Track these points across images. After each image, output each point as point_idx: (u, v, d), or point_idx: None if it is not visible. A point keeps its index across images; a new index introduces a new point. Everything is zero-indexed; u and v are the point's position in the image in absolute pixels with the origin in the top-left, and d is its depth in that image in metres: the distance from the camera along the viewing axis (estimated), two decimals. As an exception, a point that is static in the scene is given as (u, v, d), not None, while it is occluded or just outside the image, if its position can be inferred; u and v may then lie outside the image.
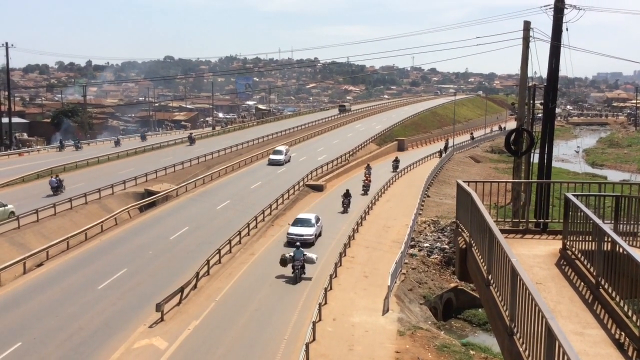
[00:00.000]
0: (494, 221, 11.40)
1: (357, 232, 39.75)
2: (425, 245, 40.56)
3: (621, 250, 9.45)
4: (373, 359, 22.25)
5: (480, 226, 11.94)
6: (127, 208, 42.63)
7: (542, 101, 21.92)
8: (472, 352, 25.34)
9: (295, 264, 29.91)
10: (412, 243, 39.96)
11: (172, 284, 28.42)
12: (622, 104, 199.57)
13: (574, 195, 12.27)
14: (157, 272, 31.32)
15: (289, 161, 64.03)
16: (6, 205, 38.10)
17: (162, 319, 25.00)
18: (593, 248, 10.69)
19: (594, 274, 10.49)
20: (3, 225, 34.88)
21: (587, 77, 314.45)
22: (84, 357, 21.96)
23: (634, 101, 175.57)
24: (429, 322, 28.87)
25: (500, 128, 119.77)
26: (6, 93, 76.12)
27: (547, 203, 17.20)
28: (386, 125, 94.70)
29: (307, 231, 36.76)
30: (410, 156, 77.49)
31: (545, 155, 21.12)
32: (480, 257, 12.05)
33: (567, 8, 20.36)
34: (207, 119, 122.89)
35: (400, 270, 33.08)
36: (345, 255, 34.31)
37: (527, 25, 21.77)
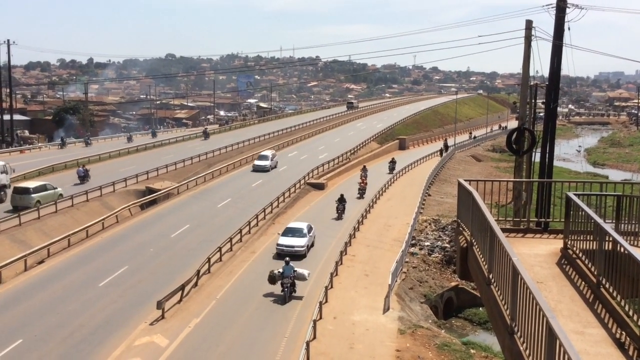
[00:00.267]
0: (495, 220, 11.40)
1: (358, 230, 39.75)
2: (426, 244, 40.56)
3: (622, 249, 9.45)
4: (374, 357, 22.26)
5: (481, 225, 11.93)
6: (129, 205, 42.63)
7: (544, 100, 21.92)
8: (472, 351, 25.34)
9: (284, 281, 26.97)
10: (413, 242, 39.97)
11: (173, 282, 28.44)
12: (623, 104, 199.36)
13: (575, 194, 12.26)
14: (158, 269, 31.35)
15: (275, 167, 59.76)
16: (56, 188, 42.27)
17: (163, 317, 25.02)
18: (594, 247, 10.68)
19: (595, 273, 10.48)
20: (4, 223, 34.91)
21: (589, 77, 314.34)
22: (84, 354, 22.00)
23: (636, 100, 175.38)
24: (430, 321, 28.88)
25: (500, 127, 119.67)
26: (8, 90, 76.09)
27: (548, 202, 17.20)
28: (387, 124, 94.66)
29: (298, 242, 33.93)
30: (411, 155, 77.49)
31: (547, 155, 21.12)
32: (481, 256, 12.05)
33: (569, 7, 20.34)
34: (209, 117, 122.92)
35: (401, 269, 33.09)
36: (346, 253, 34.32)
37: (529, 24, 21.75)
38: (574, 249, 11.86)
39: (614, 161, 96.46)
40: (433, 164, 70.32)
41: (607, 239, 10.04)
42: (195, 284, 28.69)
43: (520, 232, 14.43)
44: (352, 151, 70.57)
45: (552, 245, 12.99)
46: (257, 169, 58.00)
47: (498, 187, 15.08)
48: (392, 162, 65.54)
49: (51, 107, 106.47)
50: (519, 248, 12.00)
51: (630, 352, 8.62)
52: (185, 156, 59.02)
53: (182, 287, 27.12)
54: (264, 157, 59.77)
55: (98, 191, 43.93)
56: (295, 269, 27.36)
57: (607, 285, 9.98)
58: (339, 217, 43.30)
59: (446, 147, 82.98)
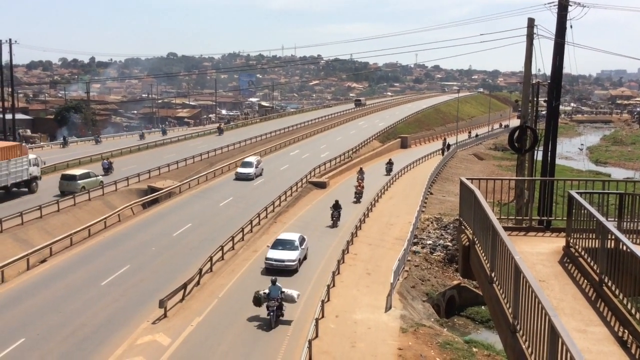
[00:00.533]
0: (497, 218, 11.39)
1: (360, 229, 39.74)
2: (428, 242, 40.54)
3: (625, 248, 9.43)
4: (376, 355, 22.26)
5: (483, 223, 11.93)
6: (130, 205, 42.68)
7: (546, 98, 21.89)
8: (474, 349, 25.32)
9: (271, 304, 23.91)
10: (415, 240, 39.95)
11: (175, 281, 28.47)
12: (626, 102, 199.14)
13: (577, 192, 12.24)
14: (160, 268, 31.38)
15: (260, 174, 54.96)
16: (97, 176, 47.01)
17: (165, 316, 25.05)
18: (596, 246, 10.67)
19: (598, 271, 10.47)
20: (7, 222, 34.96)
21: (591, 75, 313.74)
22: (87, 353, 22.03)
23: (638, 98, 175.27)
24: (432, 319, 28.88)
25: (501, 126, 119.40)
26: (10, 89, 76.17)
27: (550, 200, 17.18)
28: (389, 123, 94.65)
29: (289, 255, 30.93)
30: (413, 153, 77.46)
31: (549, 153, 21.09)
32: (483, 254, 12.05)
33: (571, 5, 20.31)
34: (210, 115, 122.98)
35: (403, 268, 33.08)
36: (348, 252, 34.31)
37: (531, 23, 21.72)
38: (577, 247, 11.85)
39: (616, 159, 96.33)
40: (435, 163, 70.29)
41: (609, 237, 10.02)
42: (198, 283, 28.72)
43: (523, 230, 14.42)
44: (354, 150, 70.56)
45: (555, 244, 12.97)
46: (240, 177, 52.94)
47: (500, 186, 15.08)
48: (389, 164, 63.18)
49: (53, 107, 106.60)
50: (521, 246, 11.99)
51: (633, 351, 8.61)
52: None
53: (184, 286, 27.14)
54: (248, 164, 54.55)
55: (100, 190, 44.02)
56: (283, 289, 24.26)
57: (609, 284, 9.97)
58: (334, 225, 40.52)
59: (449, 146, 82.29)
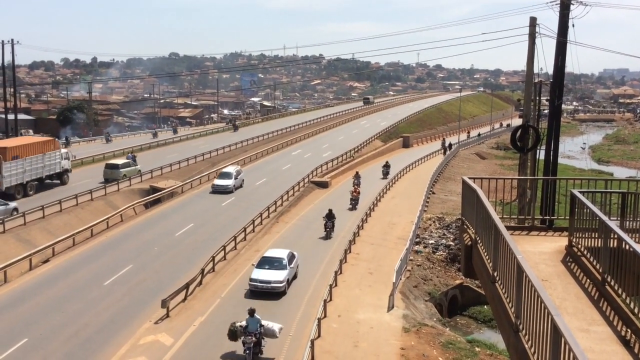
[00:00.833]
0: (500, 218, 11.39)
1: (362, 229, 39.72)
2: (431, 242, 40.51)
3: (627, 247, 9.42)
4: (378, 355, 22.26)
5: (485, 223, 11.92)
6: (133, 204, 42.73)
7: (548, 97, 21.87)
8: (477, 348, 25.31)
9: (247, 339, 20.76)
10: (417, 240, 39.93)
11: (178, 281, 28.50)
12: (628, 101, 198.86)
13: (580, 191, 12.23)
14: (163, 268, 31.41)
15: (241, 186, 50.11)
16: (137, 165, 51.76)
17: (167, 315, 25.08)
18: (599, 245, 10.66)
19: (600, 270, 10.45)
20: (9, 222, 35.01)
21: (593, 74, 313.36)
22: (89, 353, 22.05)
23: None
24: (434, 319, 28.86)
25: (501, 125, 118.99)
26: (12, 90, 76.28)
27: (553, 200, 17.18)
28: (391, 122, 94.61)
29: (276, 276, 27.63)
30: (415, 153, 77.42)
31: (551, 152, 21.07)
32: (485, 253, 12.04)
33: (573, 4, 20.29)
34: (212, 115, 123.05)
35: (406, 267, 33.06)
36: (350, 252, 34.31)
37: (533, 22, 21.70)
38: (579, 246, 11.83)
39: (618, 158, 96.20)
40: (437, 162, 70.24)
41: (612, 236, 10.01)
42: (200, 283, 28.74)
43: (525, 229, 14.41)
44: (356, 149, 70.56)
45: (557, 243, 12.96)
46: (217, 191, 47.94)
47: (502, 185, 15.07)
48: (386, 167, 60.81)
49: (55, 107, 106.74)
50: (523, 246, 11.98)
51: (636, 350, 8.59)
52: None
53: (187, 286, 27.16)
54: (226, 175, 49.42)
55: (102, 190, 44.09)
56: (263, 322, 21.29)
57: (612, 283, 9.95)
58: (328, 236, 37.66)
59: (449, 146, 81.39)
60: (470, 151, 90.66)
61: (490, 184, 14.72)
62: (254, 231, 38.19)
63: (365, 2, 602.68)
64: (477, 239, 13.01)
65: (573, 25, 20.46)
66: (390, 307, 26.58)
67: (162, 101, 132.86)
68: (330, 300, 26.72)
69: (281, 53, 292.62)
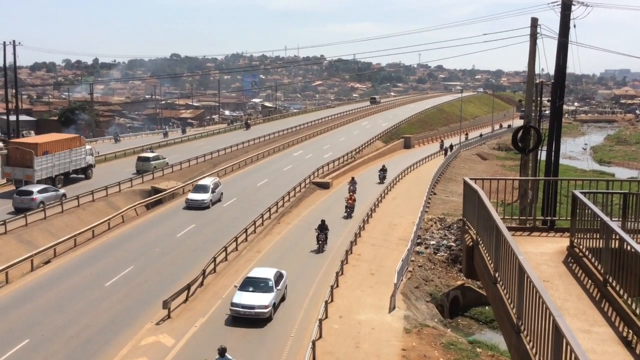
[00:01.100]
0: (501, 219, 11.38)
1: (364, 229, 39.71)
2: (432, 242, 40.50)
3: (629, 247, 9.41)
4: (379, 356, 22.25)
5: (487, 224, 11.91)
6: (134, 205, 42.73)
7: (550, 98, 21.85)
8: (478, 349, 25.29)
9: None
10: (419, 240, 39.92)
11: (179, 282, 28.50)
12: (629, 101, 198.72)
13: (581, 192, 12.22)
14: (164, 269, 31.42)
15: (219, 200, 45.56)
16: (165, 158, 55.83)
17: (168, 316, 25.08)
18: (601, 246, 10.64)
19: (602, 271, 10.44)
20: (11, 223, 35.03)
21: (594, 74, 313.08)
22: (91, 354, 22.06)
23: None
24: (436, 320, 28.84)
25: (501, 126, 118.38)
26: (13, 91, 76.36)
27: (554, 200, 17.15)
28: (392, 123, 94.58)
29: (261, 300, 24.71)
30: (416, 154, 77.40)
31: (553, 153, 21.05)
32: (487, 254, 12.03)
33: (574, 5, 20.27)
34: (214, 116, 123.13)
35: (407, 268, 33.05)
36: (351, 252, 34.29)
37: (534, 22, 21.69)
38: (581, 247, 11.82)
39: (620, 159, 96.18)
40: (438, 163, 70.22)
41: (613, 237, 10.00)
42: (201, 284, 28.74)
43: (527, 230, 14.40)
44: (357, 150, 70.55)
45: (559, 244, 12.95)
46: (192, 206, 43.39)
47: (504, 186, 15.06)
48: (383, 170, 58.50)
49: (57, 108, 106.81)
50: (525, 246, 11.97)
51: (638, 351, 8.58)
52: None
53: (188, 287, 27.16)
54: (202, 189, 44.83)
55: (104, 191, 44.13)
56: None
57: (614, 284, 9.94)
58: (320, 249, 34.93)
59: (450, 147, 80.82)
60: (471, 152, 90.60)
61: (492, 185, 14.72)
62: (255, 232, 38.19)
63: (366, 3, 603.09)
64: (479, 239, 13.00)
65: (574, 26, 20.45)
66: (392, 308, 26.56)
67: (163, 102, 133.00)
68: (332, 301, 26.72)
69: (282, 54, 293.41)
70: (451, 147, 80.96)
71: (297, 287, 28.68)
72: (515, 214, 17.04)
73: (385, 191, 52.40)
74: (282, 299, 26.82)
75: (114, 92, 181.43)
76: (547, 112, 24.29)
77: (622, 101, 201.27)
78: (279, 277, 26.72)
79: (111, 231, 37.91)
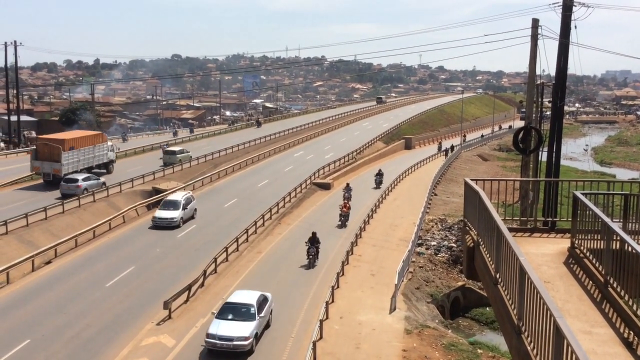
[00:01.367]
0: (502, 219, 11.37)
1: (364, 230, 39.70)
2: (433, 243, 40.49)
3: (630, 248, 9.40)
4: (380, 357, 22.24)
5: (488, 224, 11.91)
6: (135, 206, 42.74)
7: (551, 99, 21.84)
8: (479, 350, 25.29)
9: None
10: (420, 241, 39.91)
11: (180, 282, 28.51)
12: (630, 102, 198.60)
13: (582, 193, 12.21)
14: (165, 269, 31.43)
15: (192, 217, 40.66)
16: (189, 152, 59.60)
17: (169, 317, 25.09)
18: (602, 247, 10.64)
19: (603, 272, 10.44)
20: (12, 223, 35.03)
21: (595, 75, 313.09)
22: (91, 354, 22.08)
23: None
24: (436, 321, 28.83)
25: (500, 128, 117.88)
26: (15, 91, 76.43)
27: (555, 201, 17.15)
28: (393, 124, 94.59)
29: (241, 330, 21.89)
30: (417, 155, 77.40)
31: (554, 154, 21.04)
32: (488, 255, 12.03)
33: (575, 5, 20.26)
34: (215, 117, 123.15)
35: (408, 269, 33.04)
36: (352, 253, 34.29)
37: (535, 23, 21.68)
38: (582, 248, 11.82)
39: (621, 160, 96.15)
40: (439, 164, 70.22)
41: (614, 238, 9.99)
42: (202, 284, 28.75)
43: (527, 231, 14.39)
44: (358, 151, 70.55)
45: (560, 245, 12.95)
46: (160, 225, 38.44)
47: (505, 187, 15.05)
48: (379, 175, 55.94)
49: (58, 108, 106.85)
50: (526, 247, 11.97)
51: (639, 352, 8.58)
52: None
53: (189, 287, 27.17)
54: (172, 205, 39.67)
55: (105, 191, 44.16)
56: None
57: (614, 285, 9.94)
58: (311, 265, 32.00)
59: (450, 148, 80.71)
60: (472, 153, 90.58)
61: (493, 186, 14.71)
62: (256, 232, 38.19)
63: (367, 4, 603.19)
64: (480, 240, 13.00)
65: (575, 27, 20.44)
66: (392, 309, 26.55)
67: (164, 103, 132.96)
68: (333, 301, 26.72)
69: (283, 54, 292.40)
70: (452, 148, 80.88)
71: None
72: (516, 214, 17.04)
73: (384, 194, 52.27)
74: (267, 325, 23.94)
75: (115, 92, 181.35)
76: (548, 113, 24.27)
77: (623, 102, 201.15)
78: (262, 301, 23.71)
79: (112, 231, 37.93)
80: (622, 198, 12.59)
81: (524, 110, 24.99)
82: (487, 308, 32.14)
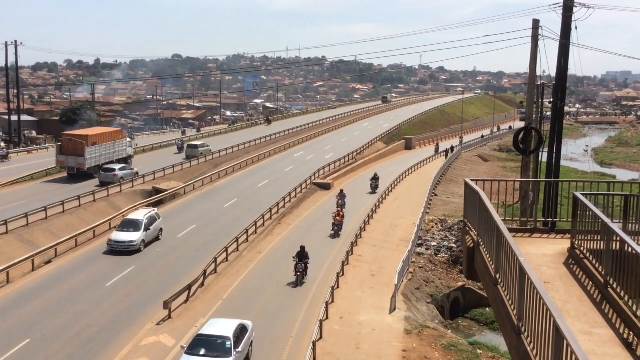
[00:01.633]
0: (502, 220, 11.37)
1: (364, 230, 39.69)
2: (433, 244, 40.49)
3: (630, 249, 9.40)
4: (380, 357, 22.24)
5: (488, 225, 11.91)
6: (135, 206, 42.71)
7: (551, 100, 21.84)
8: (479, 351, 25.29)
9: None
10: (420, 242, 39.91)
11: (180, 282, 28.51)
12: (631, 103, 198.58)
13: (582, 194, 12.21)
14: (165, 269, 31.43)
15: (157, 239, 35.61)
16: (209, 146, 63.67)
17: (169, 317, 25.10)
18: (602, 247, 10.64)
19: (603, 273, 10.44)
20: (12, 223, 35.04)
21: (596, 76, 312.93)
22: (91, 354, 22.08)
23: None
24: (436, 321, 28.84)
25: (499, 129, 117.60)
26: (15, 91, 76.44)
27: (555, 202, 17.16)
28: (394, 124, 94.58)
29: None
30: (417, 155, 77.39)
31: (554, 154, 21.03)
32: (488, 256, 12.03)
33: (576, 6, 20.26)
34: (215, 117, 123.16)
35: (408, 269, 33.04)
36: (352, 253, 34.28)
37: (536, 24, 21.69)
38: (582, 249, 11.82)
39: (621, 161, 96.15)
40: (439, 164, 70.22)
41: (614, 238, 9.99)
42: (202, 284, 28.75)
43: (528, 232, 14.39)
44: (358, 151, 70.54)
45: (560, 245, 12.95)
46: (116, 249, 33.25)
47: (505, 187, 15.05)
48: (375, 179, 53.32)
49: (58, 108, 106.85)
50: (526, 248, 11.97)
51: (638, 353, 8.58)
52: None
53: (189, 287, 27.18)
54: (131, 225, 34.33)
55: (105, 191, 44.15)
56: None
57: (614, 286, 9.94)
58: (299, 282, 29.02)
59: (450, 149, 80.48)
60: (472, 153, 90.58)
61: (493, 186, 14.70)
62: (256, 232, 38.19)
63: (367, 4, 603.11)
64: (480, 241, 13.00)
65: (576, 28, 20.43)
66: (392, 309, 26.56)
67: (165, 102, 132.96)
68: (332, 301, 26.72)
69: (284, 55, 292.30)
70: (452, 148, 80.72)
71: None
72: (516, 215, 17.03)
73: (384, 195, 52.22)
74: (247, 358, 21.10)
75: (115, 92, 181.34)
76: (548, 113, 24.28)
77: (624, 103, 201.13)
78: (241, 332, 20.53)
79: (112, 231, 37.87)
80: (622, 199, 12.59)
81: (523, 111, 25.00)
82: (487, 308, 32.15)
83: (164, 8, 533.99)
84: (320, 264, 32.53)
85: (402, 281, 30.54)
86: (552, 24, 21.36)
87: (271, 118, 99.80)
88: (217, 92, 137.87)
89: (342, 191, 45.58)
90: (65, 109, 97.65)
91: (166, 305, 25.04)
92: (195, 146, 62.81)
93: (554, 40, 21.01)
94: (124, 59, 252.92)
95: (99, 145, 50.91)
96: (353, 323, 25.05)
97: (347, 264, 32.38)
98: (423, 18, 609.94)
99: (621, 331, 9.11)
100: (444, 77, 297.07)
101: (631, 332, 8.97)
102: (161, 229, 36.74)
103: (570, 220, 12.69)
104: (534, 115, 22.92)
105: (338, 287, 28.65)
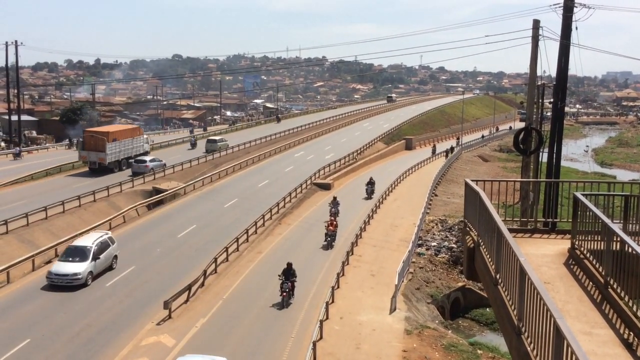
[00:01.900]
0: (502, 220, 11.37)
1: (365, 230, 39.69)
2: (433, 244, 40.48)
3: (630, 250, 9.40)
4: (380, 357, 22.24)
5: (488, 225, 11.91)
6: (135, 206, 42.76)
7: (551, 100, 21.84)
8: (479, 351, 25.28)
9: None
10: (420, 242, 39.90)
11: (180, 282, 28.51)
12: (631, 103, 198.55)
13: (582, 194, 12.21)
14: (165, 269, 31.43)
15: (111, 268, 30.40)
16: (227, 141, 67.92)
17: (169, 317, 25.09)
18: (602, 248, 10.63)
19: (603, 273, 10.43)
20: (12, 223, 35.05)
21: (596, 76, 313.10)
22: (91, 354, 22.08)
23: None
24: (437, 321, 28.83)
25: (497, 130, 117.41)
26: (15, 91, 76.44)
27: (555, 202, 17.15)
28: (394, 124, 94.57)
29: None
30: (417, 155, 77.38)
31: (554, 154, 21.03)
32: (488, 256, 12.03)
33: (576, 7, 20.25)
34: (215, 117, 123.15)
35: (408, 269, 33.04)
36: (352, 254, 34.28)
37: (536, 24, 21.68)
38: (582, 249, 11.82)
39: (621, 161, 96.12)
40: (439, 165, 70.22)
41: (615, 239, 9.99)
42: (202, 284, 28.75)
43: (528, 232, 14.39)
44: (359, 151, 70.53)
45: (560, 246, 12.95)
46: (57, 283, 27.85)
47: (505, 187, 15.05)
48: (370, 184, 50.89)
49: (58, 108, 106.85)
50: (526, 248, 11.96)
51: (639, 353, 8.57)
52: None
53: (189, 287, 27.17)
54: (77, 254, 28.86)
55: (105, 191, 44.16)
56: None
57: (615, 286, 9.93)
58: (285, 303, 26.34)
59: (450, 149, 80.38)
60: (472, 154, 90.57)
61: (493, 187, 14.70)
62: (256, 232, 38.19)
63: (368, 4, 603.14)
64: (480, 241, 13.00)
65: (576, 28, 20.40)
66: (393, 309, 26.56)
67: (165, 103, 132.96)
68: (333, 302, 26.71)
69: (284, 55, 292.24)
70: (452, 149, 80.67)
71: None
72: (517, 215, 17.03)
73: (384, 196, 52.23)
74: None
75: (115, 92, 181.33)
76: (549, 114, 24.27)
77: (624, 103, 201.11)
78: None
79: (112, 231, 37.80)
80: (623, 199, 12.59)
81: (524, 111, 25.01)
82: (487, 309, 32.15)
83: (164, 8, 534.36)
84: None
85: (403, 281, 30.54)
86: (552, 24, 21.34)
87: (281, 116, 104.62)
88: (217, 92, 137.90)
89: (335, 198, 42.45)
90: (65, 109, 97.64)
91: (166, 305, 25.04)
92: (215, 141, 67.03)
93: (554, 41, 21.01)
94: (124, 59, 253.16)
95: (119, 142, 53.65)
96: (353, 323, 25.05)
97: (347, 264, 32.37)
98: (423, 18, 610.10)
99: (621, 331, 9.11)
100: (444, 77, 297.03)
101: (631, 333, 8.97)
102: (115, 256, 30.89)
103: (571, 220, 12.68)
104: (534, 116, 22.91)
105: (338, 287, 28.66)
